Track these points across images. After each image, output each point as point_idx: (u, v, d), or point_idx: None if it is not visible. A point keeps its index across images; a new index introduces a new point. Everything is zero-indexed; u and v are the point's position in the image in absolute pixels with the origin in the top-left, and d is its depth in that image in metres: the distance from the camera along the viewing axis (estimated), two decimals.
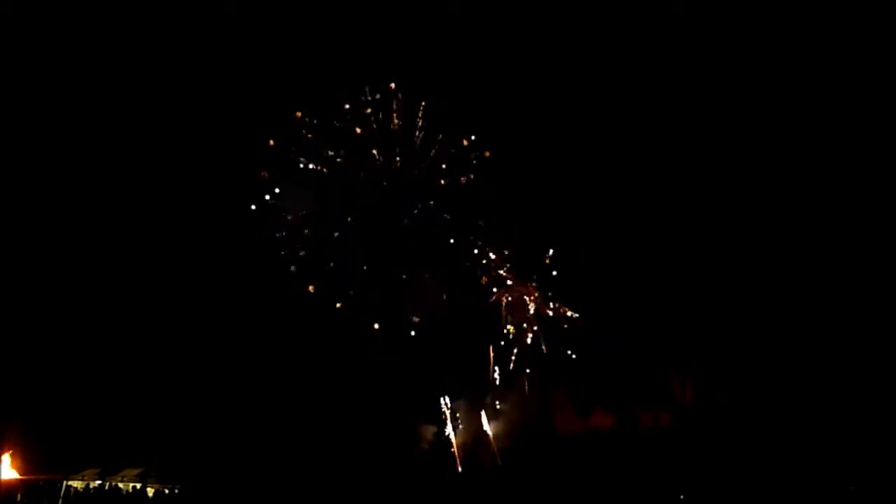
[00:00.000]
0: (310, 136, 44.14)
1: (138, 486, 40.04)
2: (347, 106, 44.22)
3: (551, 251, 46.38)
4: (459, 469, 50.58)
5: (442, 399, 47.94)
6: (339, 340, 46.09)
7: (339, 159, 44.29)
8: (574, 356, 47.18)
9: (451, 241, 44.69)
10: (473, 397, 48.93)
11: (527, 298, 46.65)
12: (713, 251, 44.88)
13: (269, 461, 44.01)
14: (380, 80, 44.43)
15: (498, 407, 48.99)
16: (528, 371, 48.62)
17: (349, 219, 44.62)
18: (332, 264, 44.48)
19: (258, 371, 45.40)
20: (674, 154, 44.96)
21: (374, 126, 44.19)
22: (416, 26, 45.86)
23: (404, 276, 44.85)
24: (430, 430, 51.20)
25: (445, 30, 45.50)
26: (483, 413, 49.02)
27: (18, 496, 37.64)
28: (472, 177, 44.67)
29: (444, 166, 44.57)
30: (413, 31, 45.70)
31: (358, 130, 43.91)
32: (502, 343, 48.47)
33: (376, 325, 44.75)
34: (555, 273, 46.47)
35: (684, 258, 45.29)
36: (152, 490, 40.23)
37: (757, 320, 43.66)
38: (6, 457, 38.90)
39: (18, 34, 43.90)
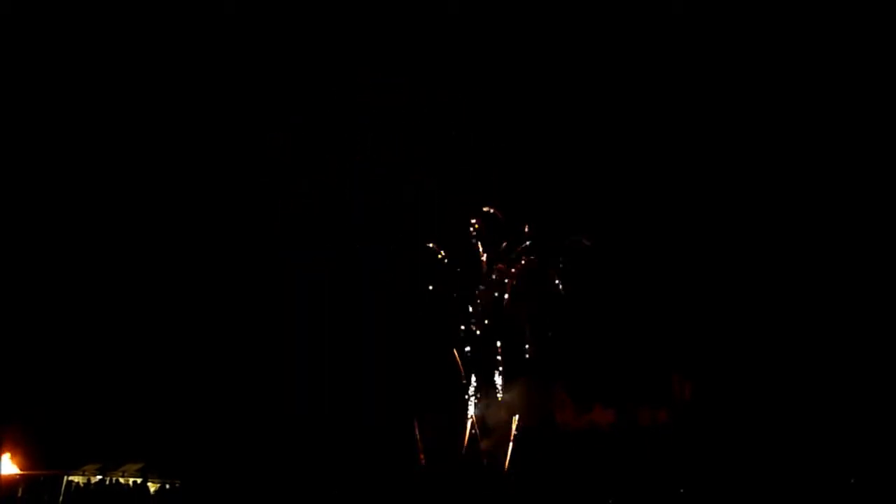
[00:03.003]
0: None
1: (139, 481, 39.92)
2: None
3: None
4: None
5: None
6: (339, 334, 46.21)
7: None
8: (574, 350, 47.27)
9: None
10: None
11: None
12: (713, 248, 45.21)
13: (269, 455, 44.11)
14: None
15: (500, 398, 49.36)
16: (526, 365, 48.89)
17: None
18: None
19: (258, 364, 45.49)
20: (676, 152, 45.29)
21: None
22: None
23: None
24: (431, 419, 51.29)
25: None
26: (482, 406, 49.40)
27: (19, 492, 37.46)
28: None
29: None
30: None
31: None
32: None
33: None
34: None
35: (684, 255, 45.61)
36: (154, 485, 40.14)
37: (756, 318, 44.00)
38: (6, 453, 38.78)
39: (21, 34, 43.66)
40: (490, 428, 49.92)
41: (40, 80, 45.40)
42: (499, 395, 49.52)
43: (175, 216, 46.28)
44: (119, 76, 46.61)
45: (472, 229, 46.22)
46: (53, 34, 45.23)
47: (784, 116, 43.91)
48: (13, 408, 39.81)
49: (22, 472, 38.84)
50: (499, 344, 48.59)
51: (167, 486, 39.85)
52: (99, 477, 39.71)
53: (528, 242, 45.70)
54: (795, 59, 43.14)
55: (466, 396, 49.55)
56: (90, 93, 46.27)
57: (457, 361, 46.54)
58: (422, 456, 48.95)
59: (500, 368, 48.87)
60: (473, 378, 48.53)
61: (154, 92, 46.94)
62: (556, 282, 46.19)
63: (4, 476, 38.02)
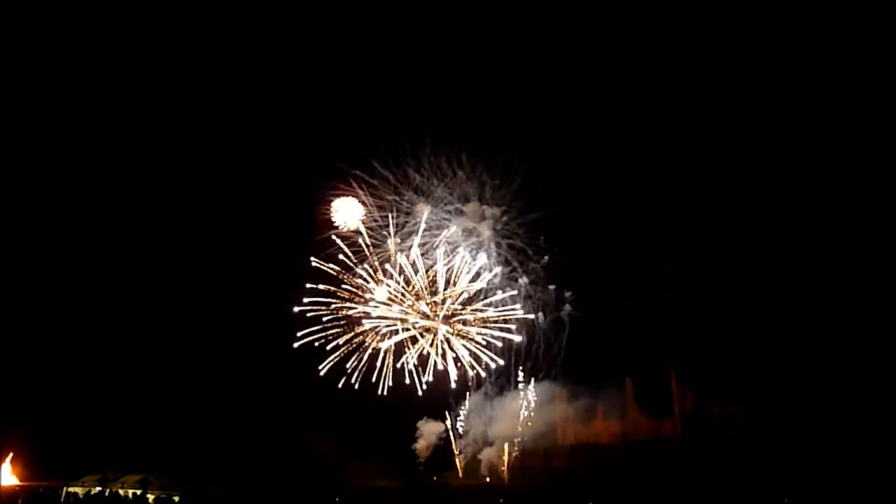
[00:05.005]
0: None
1: (138, 492, 40.00)
2: None
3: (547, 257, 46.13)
4: (461, 475, 50.37)
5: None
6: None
7: None
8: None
9: None
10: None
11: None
12: (717, 256, 44.57)
13: (265, 468, 44.13)
14: None
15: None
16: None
17: None
18: None
19: (256, 381, 45.54)
20: (683, 156, 44.82)
21: None
22: None
23: None
24: (432, 429, 50.82)
25: None
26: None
27: (18, 502, 37.69)
28: None
29: None
30: None
31: None
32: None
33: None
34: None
35: (688, 263, 44.98)
36: (153, 496, 40.21)
37: (760, 327, 43.17)
38: (7, 463, 39.11)
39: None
40: (492, 439, 49.61)
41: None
42: (502, 407, 49.18)
43: (177, 236, 46.53)
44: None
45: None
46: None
47: (788, 118, 43.28)
48: (14, 420, 40.08)
49: (22, 483, 39.19)
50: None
51: (164, 497, 39.92)
52: (98, 488, 39.84)
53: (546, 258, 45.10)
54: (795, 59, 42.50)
55: (468, 407, 49.32)
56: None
57: (461, 372, 45.79)
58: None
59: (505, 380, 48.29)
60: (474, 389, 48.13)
61: None
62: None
63: (4, 487, 38.35)
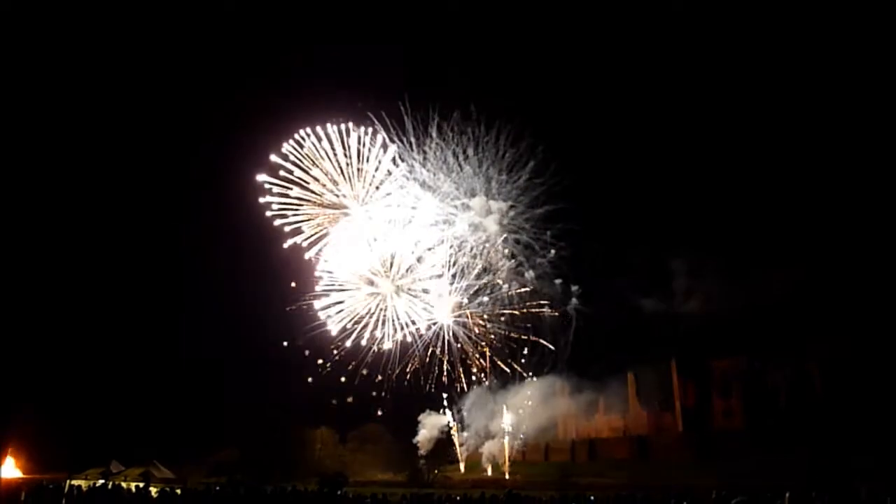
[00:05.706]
0: None
1: (141, 485, 40.01)
2: None
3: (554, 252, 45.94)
4: (462, 470, 50.52)
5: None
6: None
7: None
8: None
9: None
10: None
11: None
12: (720, 252, 44.78)
13: (267, 461, 44.14)
14: None
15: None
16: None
17: None
18: None
19: (257, 376, 45.62)
20: (689, 154, 45.01)
21: None
22: None
23: None
24: (433, 422, 50.85)
25: None
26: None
27: (22, 495, 37.55)
28: None
29: None
30: None
31: None
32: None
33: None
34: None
35: (690, 260, 45.17)
36: (155, 489, 40.12)
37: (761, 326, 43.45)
38: (10, 457, 39.00)
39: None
40: (494, 433, 49.77)
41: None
42: (505, 401, 49.32)
43: (180, 234, 46.46)
44: None
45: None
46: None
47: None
48: (17, 413, 40.05)
49: (25, 476, 39.12)
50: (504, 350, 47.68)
51: (167, 490, 39.82)
52: (101, 481, 39.80)
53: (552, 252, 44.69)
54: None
55: (471, 400, 49.41)
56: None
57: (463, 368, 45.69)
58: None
59: (504, 375, 48.24)
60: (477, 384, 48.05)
61: None
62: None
63: (8, 480, 38.24)
